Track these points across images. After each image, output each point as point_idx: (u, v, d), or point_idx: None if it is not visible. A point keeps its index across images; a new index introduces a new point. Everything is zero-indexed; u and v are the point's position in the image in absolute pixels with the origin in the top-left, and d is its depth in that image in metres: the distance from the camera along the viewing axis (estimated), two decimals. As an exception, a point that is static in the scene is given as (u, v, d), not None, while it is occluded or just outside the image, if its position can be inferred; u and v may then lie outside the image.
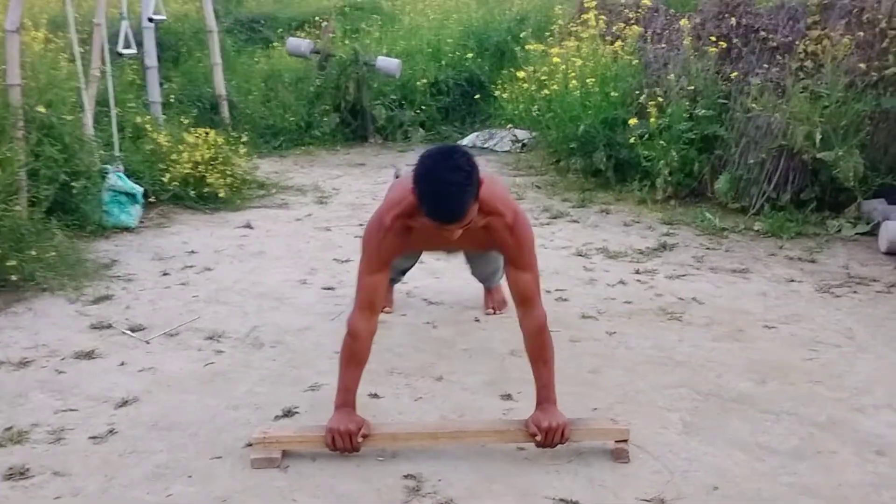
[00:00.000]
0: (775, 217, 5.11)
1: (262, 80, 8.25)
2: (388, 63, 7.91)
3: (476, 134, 8.12)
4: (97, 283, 4.08)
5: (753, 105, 5.32)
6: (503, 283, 3.18)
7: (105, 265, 4.35)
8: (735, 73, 5.62)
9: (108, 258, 4.47)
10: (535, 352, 2.59)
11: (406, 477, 2.46)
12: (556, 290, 4.04)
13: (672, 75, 5.74)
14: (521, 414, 2.70)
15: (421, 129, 8.28)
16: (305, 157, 7.47)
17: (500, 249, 2.64)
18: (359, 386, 2.60)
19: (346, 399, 2.55)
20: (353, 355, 2.57)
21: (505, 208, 2.55)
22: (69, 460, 2.54)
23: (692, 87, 5.65)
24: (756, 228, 5.05)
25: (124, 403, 2.90)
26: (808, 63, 5.35)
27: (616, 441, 2.56)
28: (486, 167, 6.96)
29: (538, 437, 2.50)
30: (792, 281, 4.21)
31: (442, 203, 2.31)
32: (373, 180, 6.51)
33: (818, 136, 4.97)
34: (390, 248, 2.58)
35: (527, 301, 2.59)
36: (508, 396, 2.96)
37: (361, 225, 5.16)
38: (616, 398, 2.97)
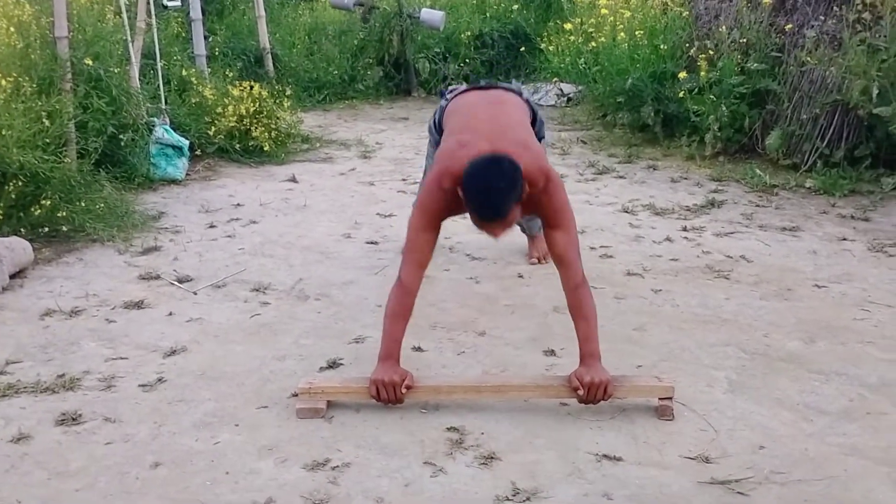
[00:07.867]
0: (828, 174, 4.97)
1: (306, 33, 8.22)
2: (432, 15, 7.80)
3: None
4: (145, 234, 4.14)
5: (808, 58, 5.16)
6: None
7: (153, 217, 4.41)
8: (789, 26, 5.43)
9: (156, 210, 4.52)
10: (573, 308, 2.62)
11: (449, 429, 2.47)
12: (602, 246, 4.00)
13: (724, 27, 5.58)
14: (564, 370, 2.69)
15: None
16: (349, 111, 7.46)
17: (535, 213, 2.71)
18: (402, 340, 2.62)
19: (390, 351, 2.57)
20: (402, 309, 2.59)
21: (538, 174, 2.57)
22: (120, 407, 2.60)
23: (744, 40, 5.48)
24: (807, 186, 4.93)
25: (173, 353, 2.96)
26: (866, 15, 5.15)
27: (660, 398, 2.54)
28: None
29: (580, 393, 2.49)
30: (844, 239, 4.12)
31: (485, 203, 2.45)
32: (416, 135, 6.47)
33: (875, 91, 4.80)
34: (445, 209, 2.64)
35: (561, 260, 2.63)
36: (552, 352, 2.95)
37: (405, 180, 5.17)
38: (661, 356, 2.94)
